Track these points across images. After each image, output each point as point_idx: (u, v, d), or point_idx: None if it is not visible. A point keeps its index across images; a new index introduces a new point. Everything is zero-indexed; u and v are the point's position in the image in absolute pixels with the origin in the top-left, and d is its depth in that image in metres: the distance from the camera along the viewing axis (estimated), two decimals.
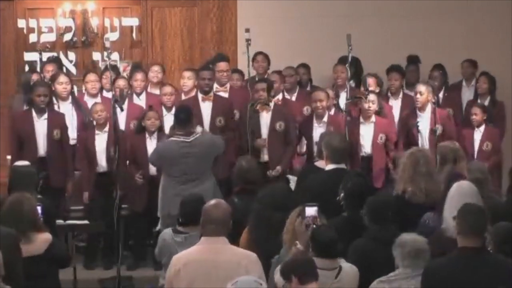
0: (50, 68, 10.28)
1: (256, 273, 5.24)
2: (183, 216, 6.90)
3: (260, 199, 6.41)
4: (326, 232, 5.73)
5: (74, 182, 9.49)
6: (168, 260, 6.69)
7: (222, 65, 9.92)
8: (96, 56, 11.26)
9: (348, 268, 5.71)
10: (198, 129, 8.63)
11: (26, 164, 7.53)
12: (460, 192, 6.12)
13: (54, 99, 9.63)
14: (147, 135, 9.27)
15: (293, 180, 8.13)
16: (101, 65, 10.95)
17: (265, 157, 9.27)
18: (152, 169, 9.20)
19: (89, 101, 9.90)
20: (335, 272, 5.61)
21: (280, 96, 9.99)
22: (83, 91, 10.11)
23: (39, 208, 6.15)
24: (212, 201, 5.51)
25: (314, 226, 5.82)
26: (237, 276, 5.02)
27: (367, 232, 6.17)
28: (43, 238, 6.00)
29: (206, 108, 9.46)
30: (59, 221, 7.66)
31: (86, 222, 8.50)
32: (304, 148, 9.59)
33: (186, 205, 6.96)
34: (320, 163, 7.65)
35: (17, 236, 5.65)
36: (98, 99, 9.85)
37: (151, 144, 9.21)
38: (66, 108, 9.72)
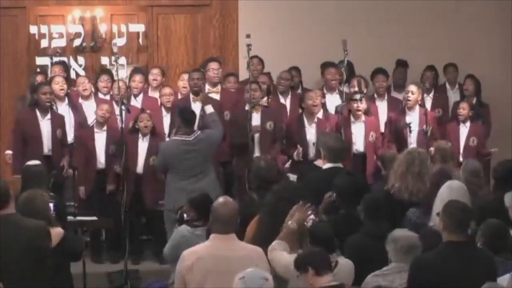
0: (56, 70, 10.26)
1: (264, 268, 5.13)
2: (199, 215, 6.84)
3: (278, 192, 6.22)
4: (324, 228, 5.74)
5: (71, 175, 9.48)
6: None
7: (212, 65, 9.88)
8: (104, 60, 11.21)
9: (344, 263, 5.68)
10: None
11: (37, 163, 7.52)
12: (450, 191, 6.17)
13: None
14: (140, 136, 9.24)
15: (293, 178, 8.11)
16: (110, 67, 10.90)
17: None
18: (139, 167, 9.17)
19: (83, 103, 9.90)
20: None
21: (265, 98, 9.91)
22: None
23: (51, 205, 6.11)
24: (220, 199, 5.39)
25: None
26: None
27: (362, 228, 6.18)
28: (56, 232, 5.91)
29: (196, 108, 9.33)
30: (69, 217, 7.62)
31: (95, 218, 8.39)
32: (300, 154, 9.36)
33: (196, 205, 6.90)
34: (319, 162, 7.67)
35: (46, 227, 5.58)
36: (92, 101, 9.84)
37: (142, 145, 9.23)
38: (64, 109, 9.69)
